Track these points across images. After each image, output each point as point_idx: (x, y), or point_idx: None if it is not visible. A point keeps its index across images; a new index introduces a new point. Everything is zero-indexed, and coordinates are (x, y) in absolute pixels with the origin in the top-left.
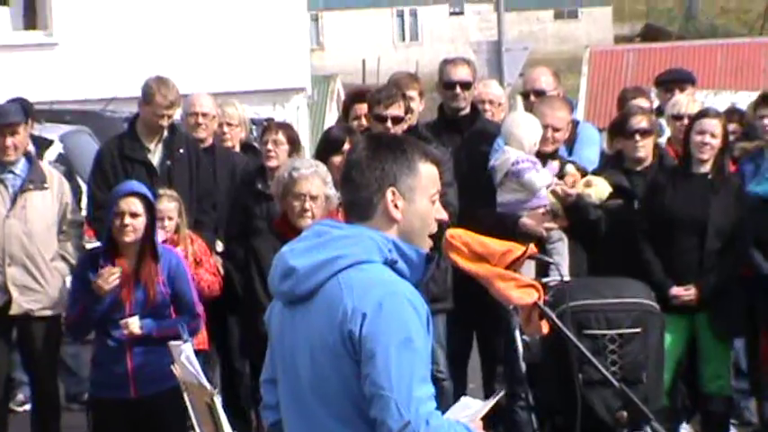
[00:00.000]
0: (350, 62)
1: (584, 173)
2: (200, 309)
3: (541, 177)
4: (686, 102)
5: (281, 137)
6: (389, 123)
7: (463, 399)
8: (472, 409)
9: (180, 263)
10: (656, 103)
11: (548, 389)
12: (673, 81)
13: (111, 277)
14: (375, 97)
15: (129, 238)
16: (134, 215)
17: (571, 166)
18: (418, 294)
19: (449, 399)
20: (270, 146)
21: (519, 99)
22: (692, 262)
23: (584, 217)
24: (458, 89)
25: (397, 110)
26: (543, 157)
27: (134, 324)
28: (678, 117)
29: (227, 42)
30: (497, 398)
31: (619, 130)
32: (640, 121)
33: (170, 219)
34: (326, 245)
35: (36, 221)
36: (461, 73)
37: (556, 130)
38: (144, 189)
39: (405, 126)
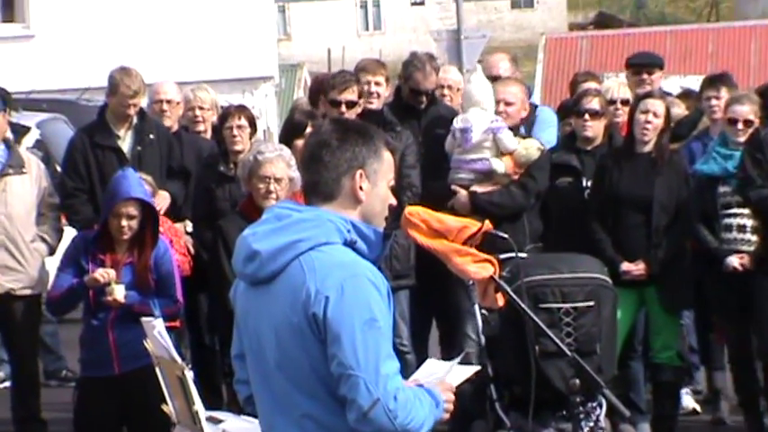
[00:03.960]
0: (316, 51)
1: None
2: (180, 296)
3: (513, 140)
4: (617, 86)
5: (243, 121)
6: (344, 108)
7: (428, 361)
8: (438, 371)
9: (167, 250)
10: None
11: (506, 361)
12: (642, 65)
13: (98, 282)
14: (330, 82)
15: (126, 236)
16: (131, 217)
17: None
18: (379, 273)
19: (412, 371)
20: (235, 131)
21: (478, 66)
22: (640, 238)
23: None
24: (423, 98)
25: (350, 94)
26: None
27: (119, 291)
28: (611, 102)
29: (197, 33)
30: (460, 359)
31: (571, 110)
32: (590, 101)
33: None
34: (288, 228)
35: (16, 205)
36: (430, 82)
37: (508, 104)
38: (141, 194)
39: (358, 110)
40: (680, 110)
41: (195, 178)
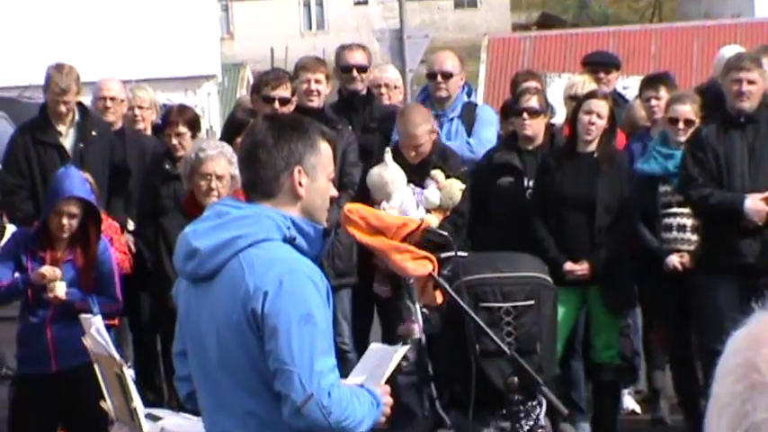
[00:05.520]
0: (259, 50)
1: (447, 175)
2: (119, 294)
3: (435, 194)
4: (582, 82)
5: (182, 128)
6: (277, 104)
7: (372, 346)
8: (382, 356)
9: (107, 249)
10: (553, 86)
11: (446, 360)
12: (598, 63)
13: (44, 278)
14: (263, 79)
15: (65, 234)
16: (71, 216)
17: (437, 171)
18: (318, 270)
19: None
20: (174, 140)
21: (386, 157)
22: (583, 238)
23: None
24: (354, 72)
25: (284, 91)
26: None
27: (61, 288)
28: (574, 98)
29: (141, 31)
30: (404, 350)
31: (511, 110)
32: (529, 100)
33: None
34: (227, 225)
35: None
36: (357, 57)
37: (417, 146)
38: (84, 193)
39: (292, 107)
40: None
41: (141, 176)
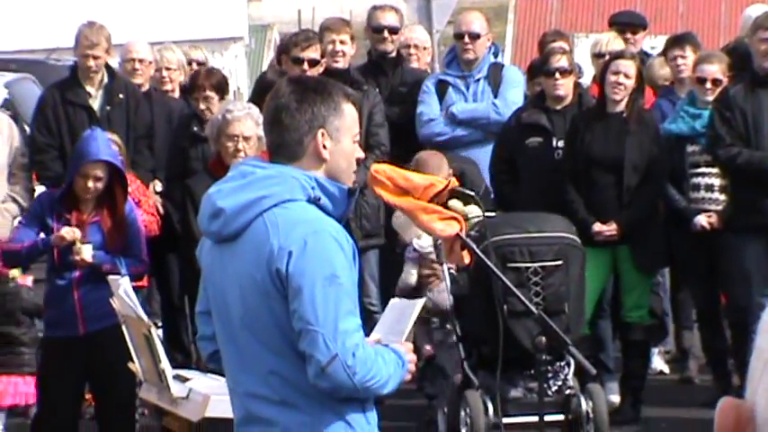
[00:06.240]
0: (286, 12)
1: (465, 201)
2: (146, 255)
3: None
4: (607, 40)
5: (209, 92)
6: (306, 66)
7: (393, 301)
8: (402, 311)
9: (132, 210)
10: (581, 46)
11: (474, 320)
12: (626, 24)
13: (65, 240)
14: (292, 40)
15: (90, 196)
16: (97, 179)
17: (455, 202)
18: (343, 230)
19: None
20: (202, 105)
21: None
22: (612, 198)
23: None
24: (386, 33)
25: (313, 52)
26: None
27: (87, 251)
28: (600, 55)
29: None
30: (422, 303)
31: (539, 69)
32: (559, 60)
33: None
34: (252, 185)
35: None
36: (389, 18)
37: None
38: (109, 156)
39: (321, 69)
40: (666, 71)
41: (169, 138)
